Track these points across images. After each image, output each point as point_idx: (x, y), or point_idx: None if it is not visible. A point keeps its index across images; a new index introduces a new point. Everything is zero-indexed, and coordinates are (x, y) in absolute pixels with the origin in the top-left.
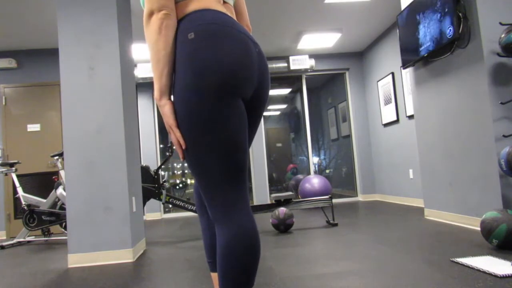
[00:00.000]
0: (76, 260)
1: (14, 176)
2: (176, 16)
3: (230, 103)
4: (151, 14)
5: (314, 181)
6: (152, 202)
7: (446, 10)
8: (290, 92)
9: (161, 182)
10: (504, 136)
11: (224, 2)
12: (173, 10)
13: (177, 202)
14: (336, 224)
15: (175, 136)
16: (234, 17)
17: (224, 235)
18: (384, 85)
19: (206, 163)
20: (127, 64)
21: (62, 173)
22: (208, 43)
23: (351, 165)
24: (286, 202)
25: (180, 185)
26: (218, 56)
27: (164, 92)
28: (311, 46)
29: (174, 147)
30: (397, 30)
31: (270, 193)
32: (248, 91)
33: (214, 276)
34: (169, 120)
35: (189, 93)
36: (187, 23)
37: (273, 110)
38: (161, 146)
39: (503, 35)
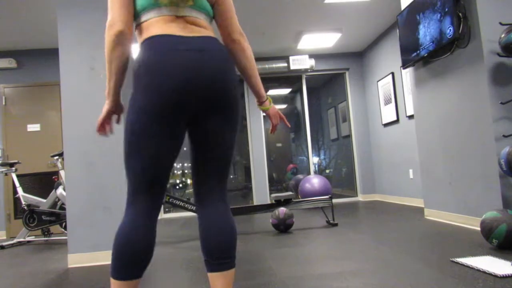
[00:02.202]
0: (76, 260)
1: (14, 176)
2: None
3: (154, 128)
4: (111, 25)
5: (314, 181)
6: None
7: (446, 10)
8: (290, 92)
9: None
10: (504, 136)
11: (179, 17)
12: (130, 27)
13: (177, 202)
14: (336, 224)
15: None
16: (191, 27)
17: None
18: (384, 85)
19: (127, 162)
20: None
21: (62, 173)
22: (142, 77)
23: (351, 165)
24: (286, 202)
25: (180, 185)
26: (149, 87)
27: (108, 94)
28: (311, 46)
29: None
30: (397, 30)
31: (270, 193)
32: (185, 110)
33: (210, 276)
34: (100, 116)
35: (130, 113)
36: (138, 52)
37: None
38: None
39: (503, 35)
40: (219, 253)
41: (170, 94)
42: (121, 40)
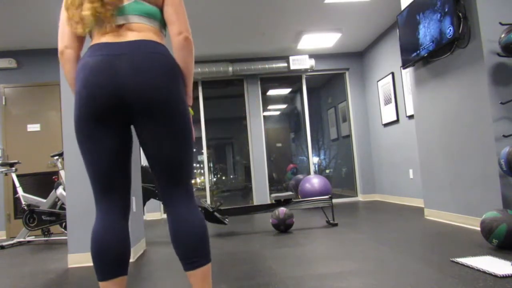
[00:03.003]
0: (76, 260)
1: (14, 176)
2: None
3: (89, 130)
4: (59, 47)
5: (314, 181)
6: (152, 202)
7: (446, 10)
8: (290, 92)
9: None
10: (504, 136)
11: (118, 26)
12: (74, 47)
13: None
14: (336, 224)
15: None
16: (126, 34)
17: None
18: (384, 85)
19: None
20: None
21: (62, 173)
22: (76, 82)
23: (351, 165)
24: (286, 202)
25: None
26: (77, 91)
27: None
28: (311, 46)
29: None
30: (397, 30)
31: (270, 193)
32: (108, 113)
33: (187, 274)
34: None
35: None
36: None
37: (273, 110)
38: None
39: (503, 35)
40: (188, 253)
41: (87, 99)
42: (62, 58)
